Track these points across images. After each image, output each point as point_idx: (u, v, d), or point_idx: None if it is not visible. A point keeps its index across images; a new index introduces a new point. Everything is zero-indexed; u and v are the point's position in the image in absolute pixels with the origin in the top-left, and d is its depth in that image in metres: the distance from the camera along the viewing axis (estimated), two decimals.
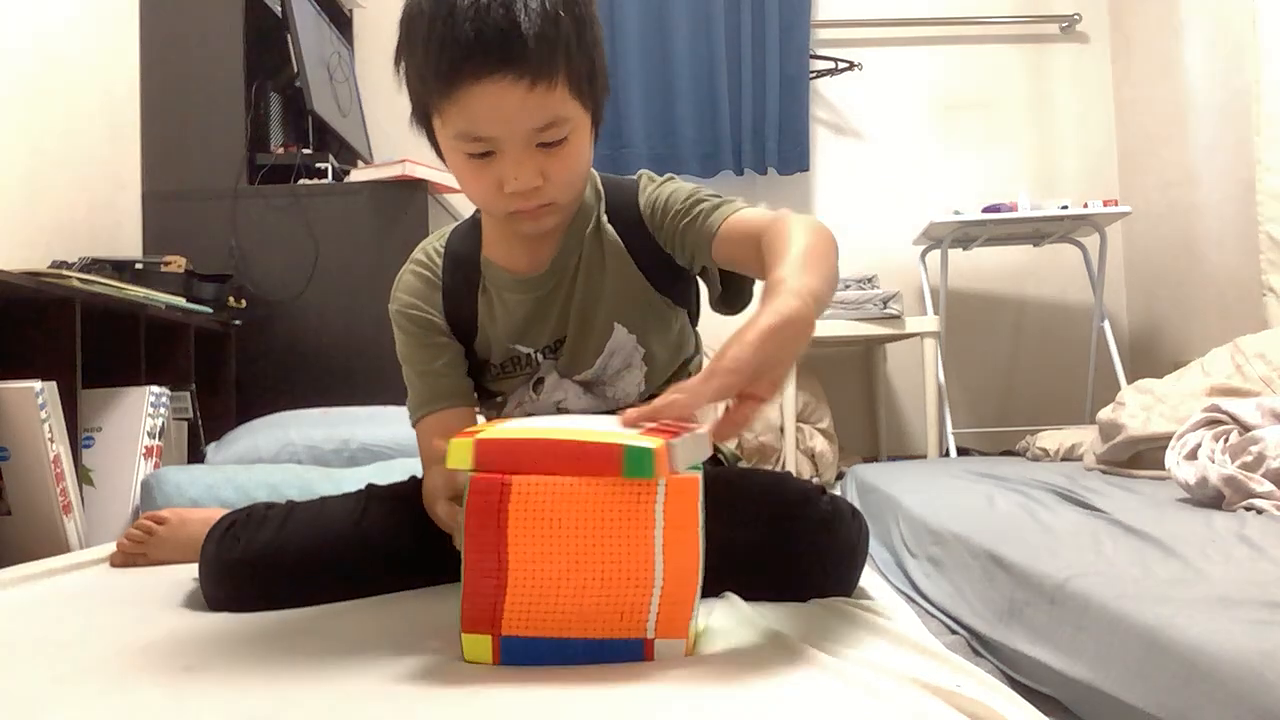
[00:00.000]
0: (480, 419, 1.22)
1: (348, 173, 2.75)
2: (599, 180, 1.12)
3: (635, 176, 1.13)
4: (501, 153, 0.93)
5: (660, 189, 1.08)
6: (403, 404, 1.13)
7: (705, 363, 1.00)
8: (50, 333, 1.84)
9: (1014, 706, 0.64)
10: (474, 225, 1.14)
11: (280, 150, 2.78)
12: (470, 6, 0.87)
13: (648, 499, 0.70)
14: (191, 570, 1.11)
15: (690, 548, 0.72)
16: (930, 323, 3.04)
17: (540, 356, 1.11)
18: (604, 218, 1.09)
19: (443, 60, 0.88)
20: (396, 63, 0.97)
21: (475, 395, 1.14)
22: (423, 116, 0.98)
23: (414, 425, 1.11)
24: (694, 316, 1.18)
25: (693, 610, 0.74)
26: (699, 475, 0.73)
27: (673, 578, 0.72)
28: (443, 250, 1.14)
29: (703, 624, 0.83)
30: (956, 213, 3.10)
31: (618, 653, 0.73)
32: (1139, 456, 1.96)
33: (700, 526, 0.73)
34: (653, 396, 0.84)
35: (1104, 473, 2.00)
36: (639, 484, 0.70)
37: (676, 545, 0.71)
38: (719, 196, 1.04)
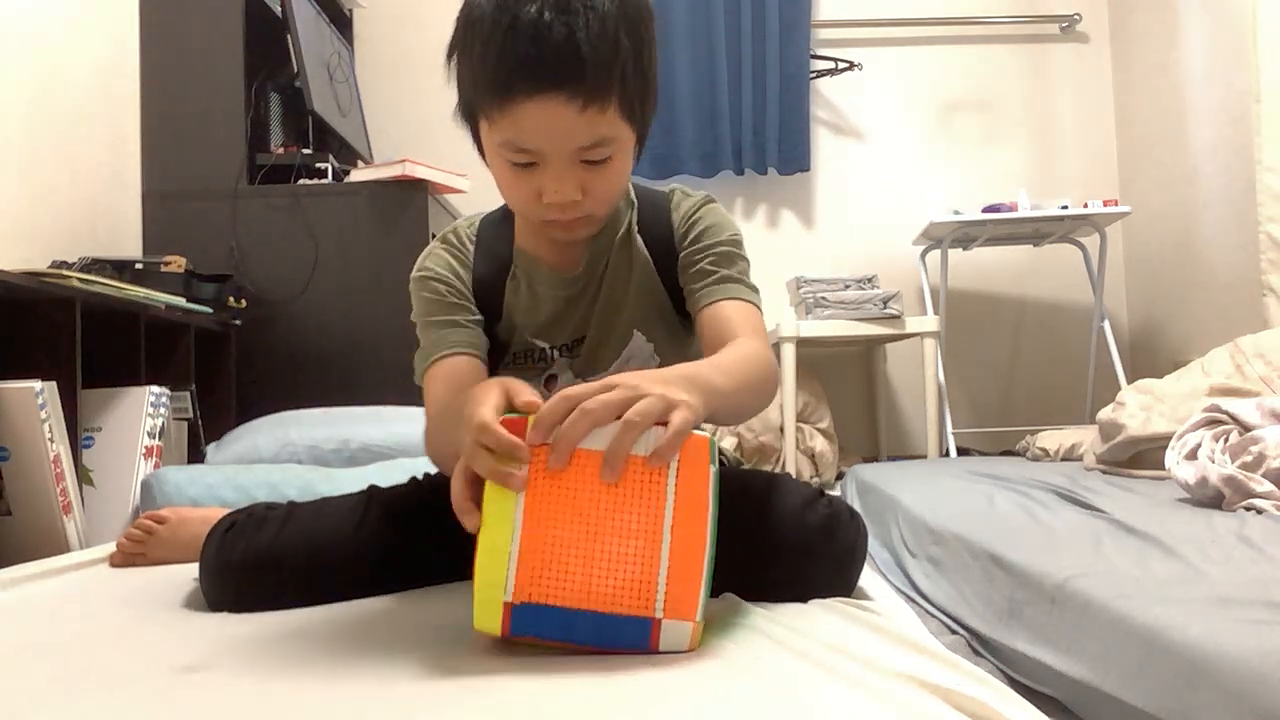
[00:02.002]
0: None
1: (348, 173, 2.75)
2: (632, 189, 1.12)
3: (668, 190, 1.13)
4: (544, 164, 0.93)
5: (699, 213, 1.09)
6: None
7: None
8: (50, 333, 1.84)
9: (1014, 706, 0.64)
10: (505, 215, 1.14)
11: (280, 150, 2.79)
12: (532, 22, 0.86)
13: (660, 474, 0.74)
14: (191, 570, 1.11)
15: (698, 527, 0.75)
16: (930, 323, 3.04)
17: (556, 353, 1.11)
18: (635, 228, 1.10)
19: (500, 70, 0.88)
20: (449, 57, 0.97)
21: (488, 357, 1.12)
22: (469, 115, 0.98)
23: (421, 378, 1.07)
24: None
25: (700, 593, 0.75)
26: (708, 459, 0.76)
27: (679, 555, 0.74)
28: (475, 236, 1.13)
29: (703, 624, 0.83)
30: (956, 213, 3.10)
31: (624, 631, 0.74)
32: (1139, 456, 1.96)
33: (711, 511, 0.75)
34: None
35: (1104, 473, 2.00)
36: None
37: (685, 523, 0.74)
38: (739, 257, 1.08)
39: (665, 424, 0.75)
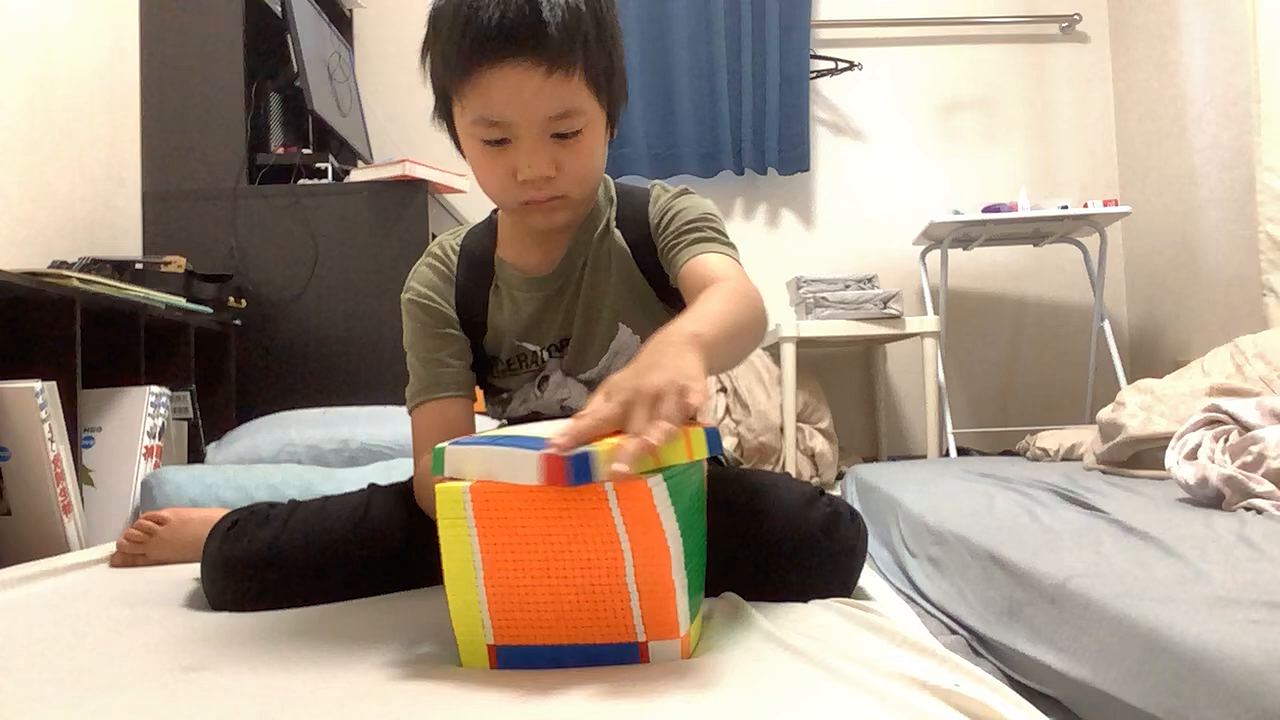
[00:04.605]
0: (488, 421, 1.23)
1: (348, 173, 2.75)
2: (612, 186, 1.14)
3: (648, 186, 1.14)
4: (517, 141, 0.96)
5: (672, 202, 1.10)
6: (404, 403, 1.13)
7: None
8: (50, 333, 1.84)
9: (1014, 706, 0.64)
10: (489, 226, 1.16)
11: (280, 150, 2.79)
12: None
13: (601, 504, 0.69)
14: (191, 570, 1.11)
15: (658, 549, 0.71)
16: (930, 323, 3.04)
17: (546, 354, 1.12)
18: (614, 223, 1.11)
19: (465, 43, 0.92)
20: (423, 55, 1.00)
21: (476, 388, 1.15)
22: (443, 105, 1.01)
23: (411, 411, 1.11)
24: None
25: (678, 610, 0.73)
26: (645, 479, 0.70)
27: (646, 579, 0.71)
28: (458, 248, 1.15)
29: (699, 627, 0.83)
30: (956, 213, 3.10)
31: (612, 655, 0.73)
32: (1139, 456, 1.96)
33: (674, 526, 0.72)
34: None
35: (1104, 473, 2.00)
36: (588, 489, 0.69)
37: (643, 547, 0.70)
38: (714, 229, 1.06)
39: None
